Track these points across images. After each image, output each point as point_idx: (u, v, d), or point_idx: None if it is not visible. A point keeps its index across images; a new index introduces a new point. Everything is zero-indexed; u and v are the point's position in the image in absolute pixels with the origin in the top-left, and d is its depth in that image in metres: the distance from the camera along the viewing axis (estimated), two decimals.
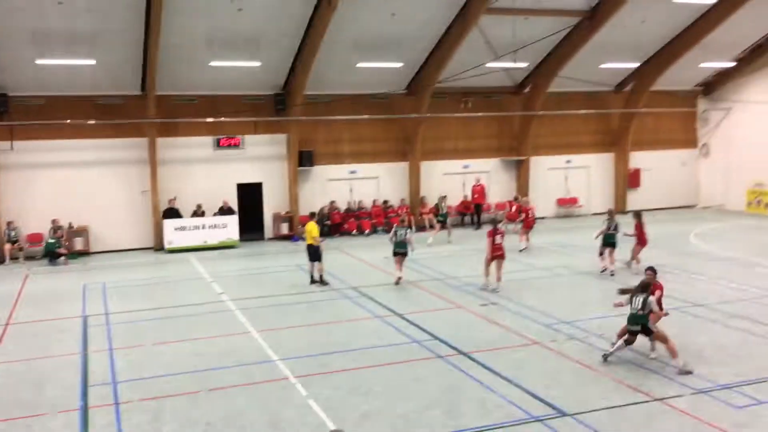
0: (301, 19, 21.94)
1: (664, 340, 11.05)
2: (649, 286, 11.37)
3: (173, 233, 23.56)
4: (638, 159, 30.88)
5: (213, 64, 22.54)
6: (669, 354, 10.95)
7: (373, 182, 27.38)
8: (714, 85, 31.00)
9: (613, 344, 11.39)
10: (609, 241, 18.20)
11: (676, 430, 8.87)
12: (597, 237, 18.45)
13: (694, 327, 12.16)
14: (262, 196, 25.88)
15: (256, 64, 23.11)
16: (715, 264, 19.18)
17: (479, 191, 27.78)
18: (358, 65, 24.30)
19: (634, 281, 12.61)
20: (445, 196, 25.55)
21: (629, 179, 30.71)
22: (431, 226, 26.38)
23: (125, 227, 24.01)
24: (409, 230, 18.09)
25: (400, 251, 17.62)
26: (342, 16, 21.46)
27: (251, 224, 25.55)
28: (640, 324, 11.04)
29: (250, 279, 19.42)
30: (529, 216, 22.62)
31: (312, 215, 18.70)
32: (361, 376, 11.06)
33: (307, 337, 13.34)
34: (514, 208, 25.24)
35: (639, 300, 11.11)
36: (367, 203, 27.31)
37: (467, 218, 28.22)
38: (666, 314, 11.70)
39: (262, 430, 9.17)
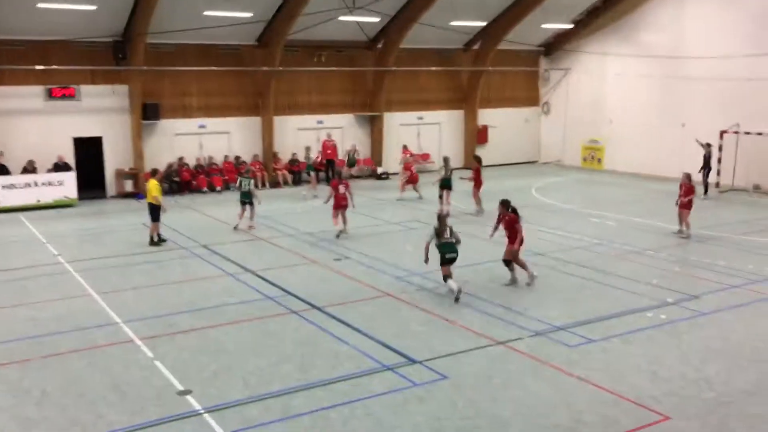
0: None
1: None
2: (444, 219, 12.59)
3: (0, 192, 21.57)
4: (486, 116, 32.07)
5: (41, 5, 20.54)
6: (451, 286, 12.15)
7: (224, 137, 26.45)
8: (554, 45, 32.61)
9: (452, 289, 12.18)
10: (446, 185, 20.15)
11: (517, 370, 9.39)
12: (435, 183, 20.61)
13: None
14: (103, 152, 24.29)
15: (91, 7, 21.31)
16: (554, 215, 20.41)
17: (331, 147, 27.64)
18: (206, 13, 23.11)
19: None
20: (309, 147, 25.52)
21: (477, 136, 31.85)
22: (285, 182, 26.09)
23: None
24: (252, 181, 18.81)
25: (245, 201, 18.36)
26: None
27: (91, 181, 23.91)
28: (455, 252, 12.28)
29: (90, 239, 18.23)
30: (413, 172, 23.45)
31: (154, 172, 17.66)
32: (211, 335, 10.76)
33: (154, 298, 12.76)
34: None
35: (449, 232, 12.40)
36: (219, 159, 26.42)
37: (321, 174, 28.06)
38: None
39: (103, 395, 8.68)
